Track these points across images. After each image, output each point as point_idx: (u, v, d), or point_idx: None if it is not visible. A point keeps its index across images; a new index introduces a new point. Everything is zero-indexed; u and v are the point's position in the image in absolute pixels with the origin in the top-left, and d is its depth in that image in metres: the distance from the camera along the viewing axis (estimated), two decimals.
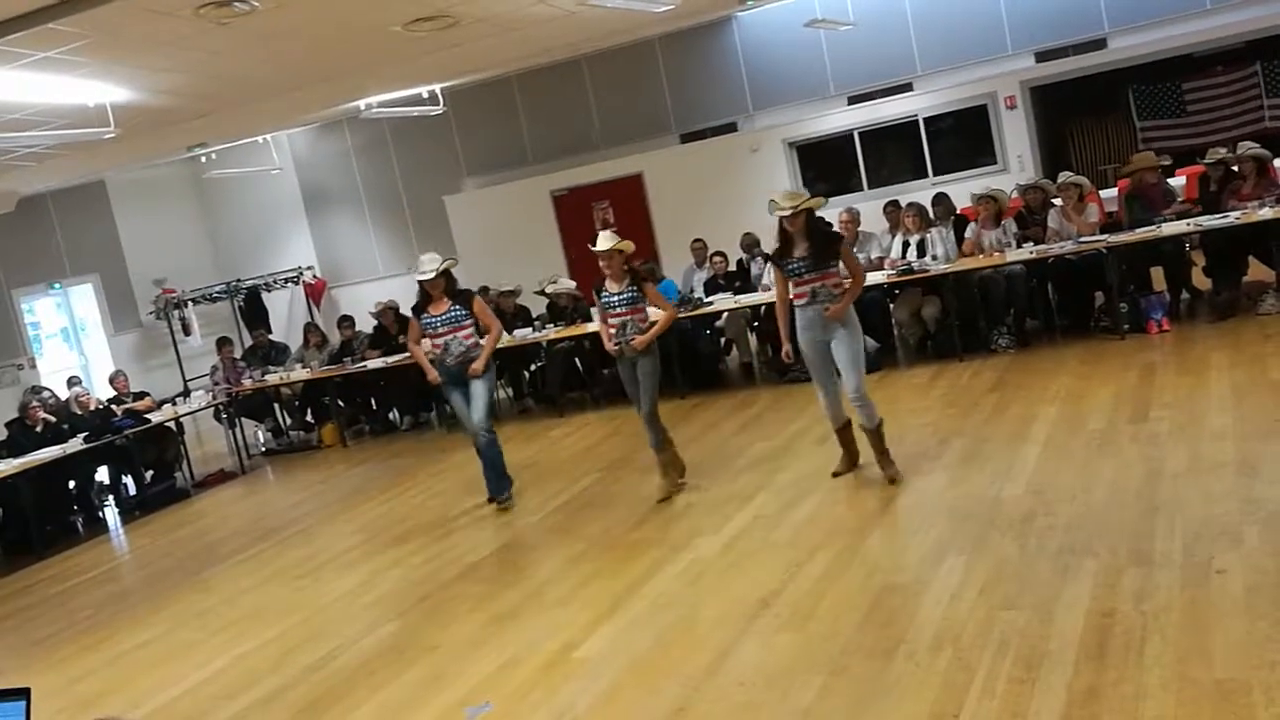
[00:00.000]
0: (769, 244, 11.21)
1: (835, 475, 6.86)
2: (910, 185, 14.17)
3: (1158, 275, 9.71)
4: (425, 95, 13.62)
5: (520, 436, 7.98)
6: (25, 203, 15.03)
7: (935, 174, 14.35)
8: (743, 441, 8.40)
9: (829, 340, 6.53)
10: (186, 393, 14.81)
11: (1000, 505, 5.75)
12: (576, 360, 11.65)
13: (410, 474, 9.78)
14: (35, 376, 15.43)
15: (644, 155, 15.64)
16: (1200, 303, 9.71)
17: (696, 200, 14.99)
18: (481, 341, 7.83)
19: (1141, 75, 14.03)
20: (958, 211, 10.68)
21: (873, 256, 10.40)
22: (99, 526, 10.52)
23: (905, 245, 10.23)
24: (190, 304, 17.53)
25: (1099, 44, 13.51)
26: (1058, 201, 9.93)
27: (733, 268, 11.58)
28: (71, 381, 12.42)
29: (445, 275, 7.75)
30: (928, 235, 10.11)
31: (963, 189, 11.96)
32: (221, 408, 12.33)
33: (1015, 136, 14.09)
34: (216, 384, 12.82)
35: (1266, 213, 8.67)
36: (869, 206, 12.14)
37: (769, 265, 10.72)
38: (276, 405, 12.89)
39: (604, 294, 7.20)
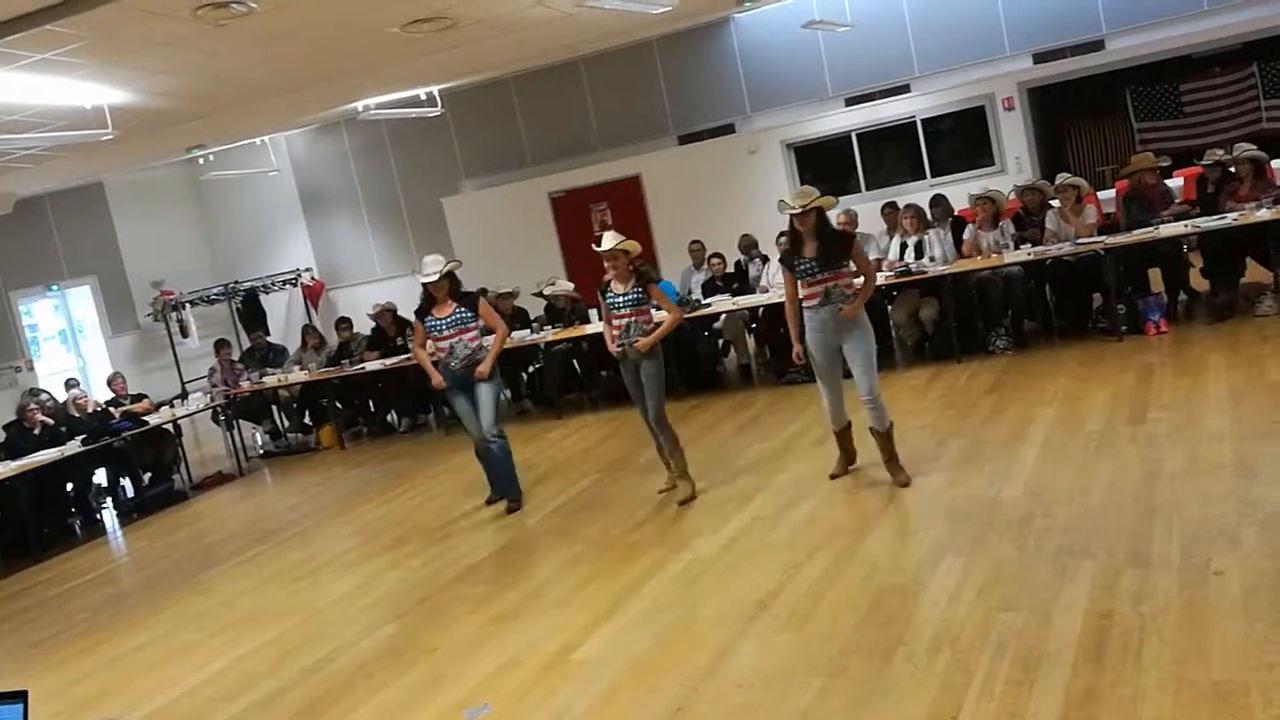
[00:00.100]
0: (767, 246, 11.33)
1: (833, 477, 6.84)
2: (908, 187, 14.18)
3: (1155, 277, 9.72)
4: (423, 97, 13.62)
5: (518, 438, 7.97)
6: (23, 204, 15.03)
7: (933, 175, 14.36)
8: (741, 443, 8.40)
9: (840, 342, 6.45)
10: (184, 395, 14.80)
11: (998, 507, 5.75)
12: (574, 362, 11.66)
13: (408, 476, 9.77)
14: (33, 379, 15.44)
15: (642, 157, 15.65)
16: (1198, 304, 9.72)
17: (694, 202, 14.99)
18: (486, 344, 7.78)
19: (1139, 76, 14.05)
20: (955, 213, 10.69)
21: (870, 258, 10.39)
22: (97, 529, 10.51)
23: (903, 247, 10.24)
24: (188, 306, 17.53)
25: (1097, 45, 13.52)
26: (1055, 203, 9.94)
27: (731, 269, 11.58)
28: (69, 384, 12.43)
29: (449, 277, 7.67)
30: (925, 237, 10.12)
31: (961, 190, 11.97)
32: (219, 410, 12.32)
33: (1013, 138, 14.10)
34: (214, 386, 12.81)
35: (1264, 214, 8.67)
36: (867, 208, 12.15)
37: (778, 266, 10.80)
38: (274, 407, 12.89)
39: (609, 295, 7.10)
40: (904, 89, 14.49)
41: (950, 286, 9.72)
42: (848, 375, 6.61)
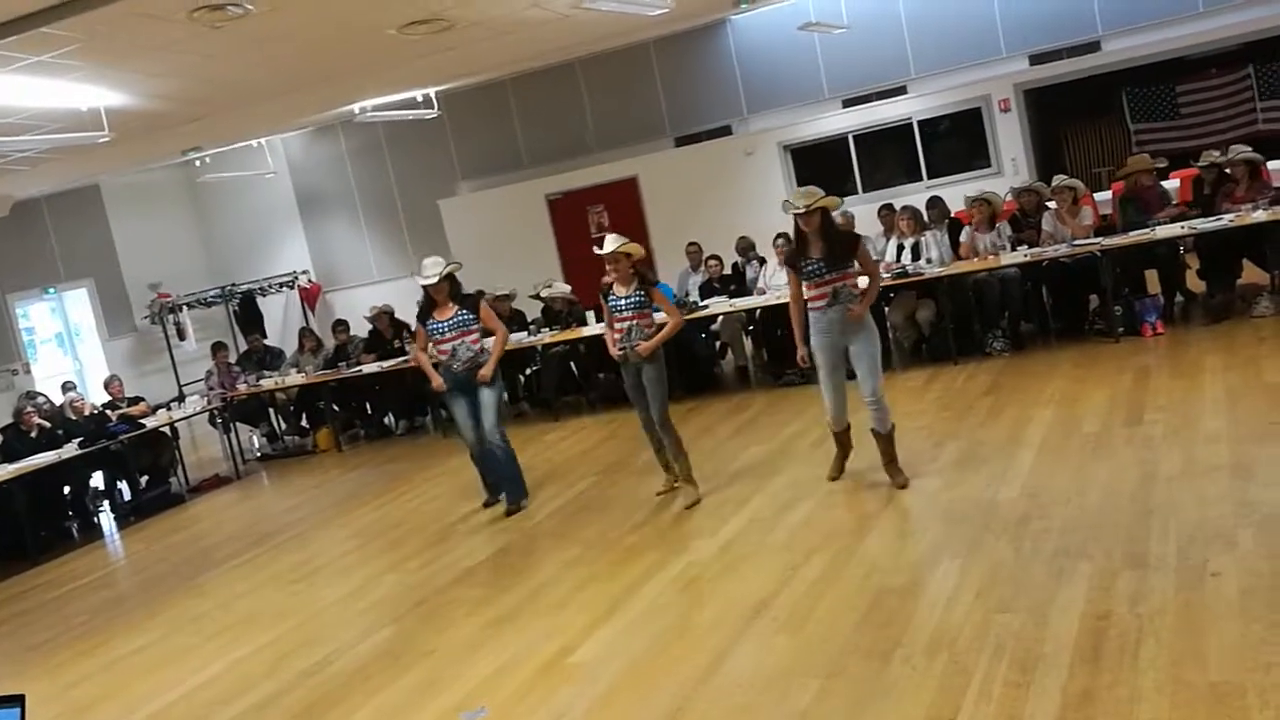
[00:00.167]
0: (764, 248, 11.33)
1: (832, 479, 6.82)
2: (905, 188, 14.19)
3: (1152, 278, 9.72)
4: (420, 99, 13.63)
5: (516, 441, 7.95)
6: (19, 207, 15.03)
7: (930, 177, 14.38)
8: (738, 445, 8.40)
9: (847, 343, 6.40)
10: (181, 398, 14.82)
11: (995, 508, 5.75)
12: (572, 364, 11.65)
13: (405, 478, 9.77)
14: (30, 382, 15.41)
15: (639, 159, 15.66)
16: (1194, 305, 9.72)
17: (691, 203, 15.00)
18: (487, 345, 7.75)
19: (1135, 78, 14.07)
20: (952, 214, 10.69)
21: None
22: (94, 532, 10.50)
23: (900, 248, 10.24)
24: (185, 309, 17.52)
25: (1093, 47, 13.54)
26: (1052, 204, 9.94)
27: (728, 271, 11.58)
28: (66, 387, 12.42)
29: (449, 279, 7.64)
30: (922, 238, 10.12)
31: (957, 192, 11.97)
32: (216, 413, 12.32)
33: (1009, 139, 14.12)
34: (211, 389, 12.81)
35: (1260, 215, 8.69)
36: (864, 210, 12.17)
37: (775, 268, 10.80)
38: (271, 410, 12.89)
39: (610, 298, 7.06)
40: (900, 91, 14.51)
41: (947, 288, 9.72)
42: (850, 376, 6.57)
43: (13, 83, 7.90)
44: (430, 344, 7.80)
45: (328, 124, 16.97)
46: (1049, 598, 4.52)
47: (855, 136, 14.79)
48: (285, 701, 5.22)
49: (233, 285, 18.13)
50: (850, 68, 14.58)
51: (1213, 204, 9.39)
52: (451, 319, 7.61)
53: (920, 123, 14.49)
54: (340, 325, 12.78)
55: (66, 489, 10.68)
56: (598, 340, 10.85)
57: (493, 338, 7.81)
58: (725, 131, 15.48)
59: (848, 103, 14.75)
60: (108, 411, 11.27)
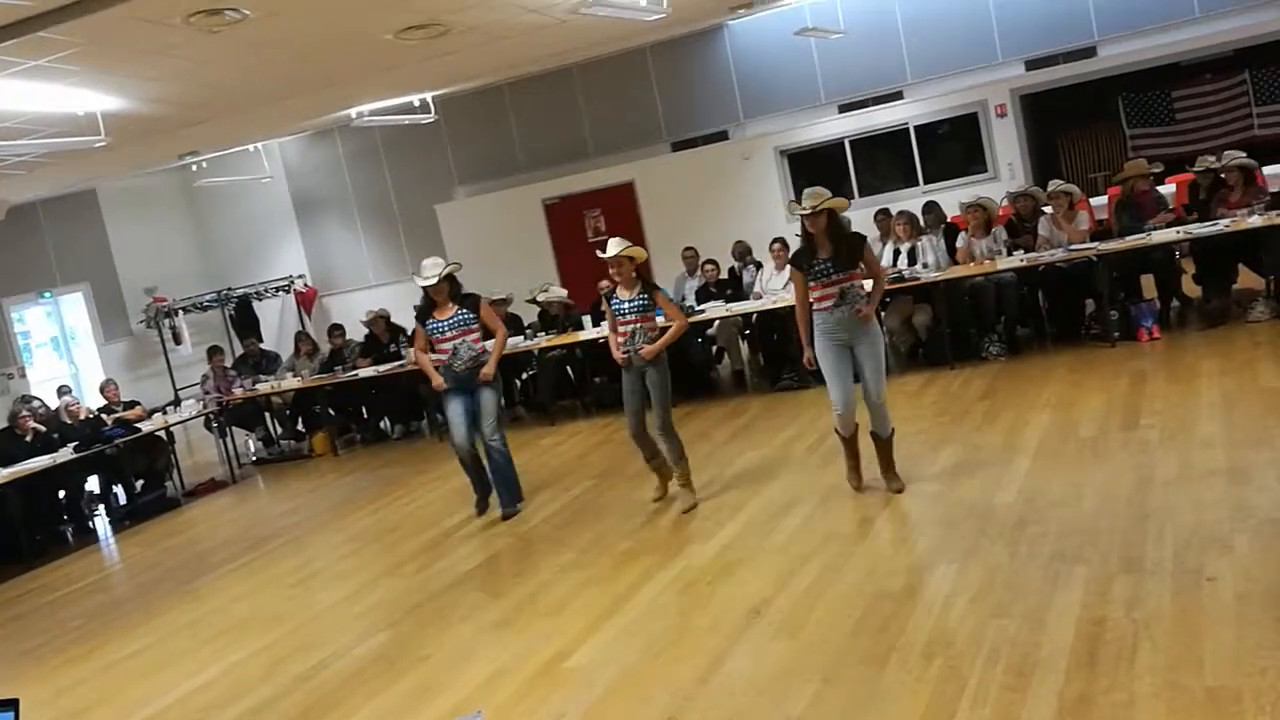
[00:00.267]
0: (761, 252, 11.34)
1: (859, 489, 6.58)
2: (901, 193, 14.22)
3: (1148, 283, 9.74)
4: (416, 103, 13.64)
5: (512, 445, 7.94)
6: (15, 211, 15.02)
7: (926, 182, 14.42)
8: (735, 449, 8.40)
9: (853, 344, 6.35)
10: (177, 402, 14.81)
11: (992, 513, 5.75)
12: (568, 368, 11.65)
13: (401, 483, 9.76)
14: (25, 386, 15.41)
15: (635, 163, 15.69)
16: (1190, 310, 9.73)
17: (688, 208, 15.03)
18: (489, 346, 7.74)
19: (1131, 83, 14.10)
20: (948, 219, 10.70)
21: None
22: (89, 536, 10.47)
23: (896, 253, 10.24)
24: (181, 313, 17.52)
25: (1089, 52, 13.57)
26: (1048, 209, 9.96)
27: (724, 275, 11.59)
28: (61, 390, 12.38)
29: (449, 280, 7.61)
30: (918, 243, 10.13)
31: (953, 197, 12.00)
32: (212, 417, 12.30)
33: (1005, 144, 14.15)
34: (207, 393, 12.80)
35: (1256, 220, 8.70)
36: (860, 214, 12.16)
37: (772, 272, 10.81)
38: (267, 414, 12.87)
39: (614, 301, 7.04)
40: (897, 96, 14.54)
41: (943, 293, 9.73)
42: (854, 379, 6.54)
43: (9, 87, 7.90)
44: (430, 344, 7.76)
45: (324, 128, 16.98)
46: (1045, 602, 4.53)
47: (851, 141, 14.83)
48: (281, 706, 5.21)
49: (229, 289, 18.13)
50: (847, 73, 14.61)
51: (1208, 209, 9.41)
52: (452, 318, 7.59)
53: (916, 128, 14.53)
54: (336, 329, 12.77)
55: (61, 493, 10.67)
56: (594, 345, 10.87)
57: (493, 338, 7.80)
58: (722, 136, 15.51)
59: (844, 108, 14.78)
60: (103, 415, 11.25)
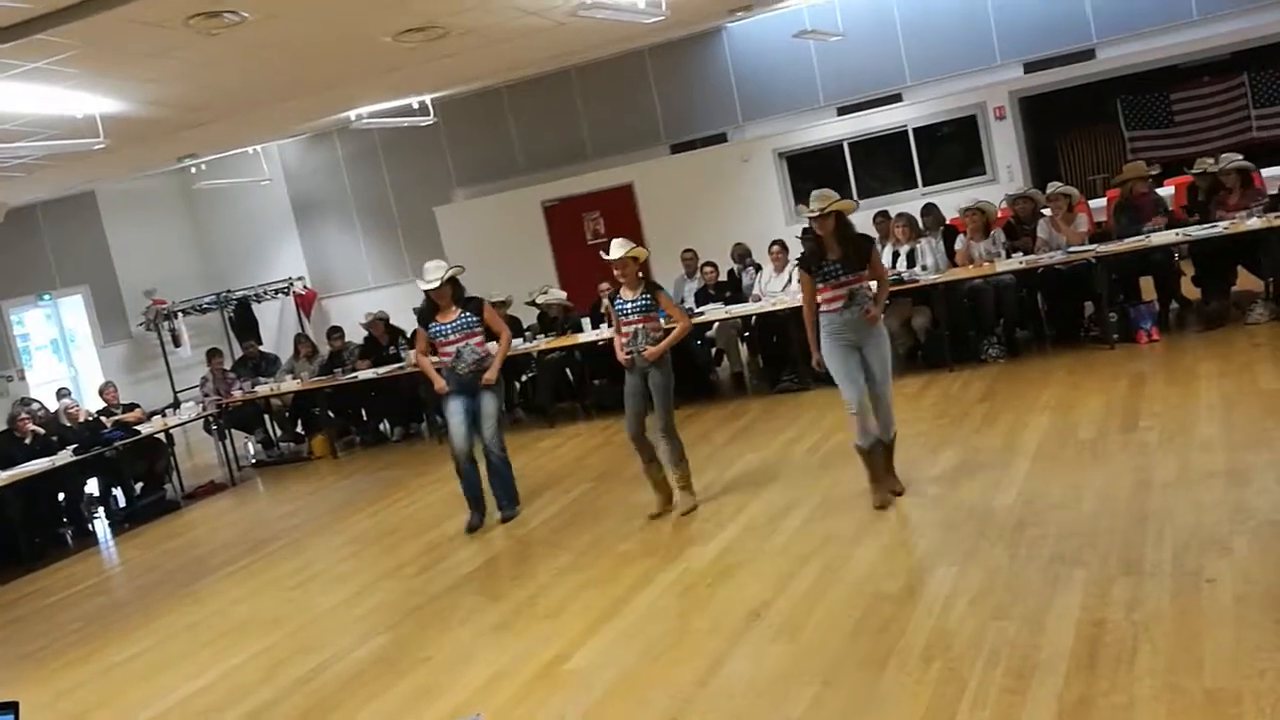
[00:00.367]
0: (760, 254, 11.34)
1: (882, 508, 6.29)
2: (900, 195, 14.23)
3: (1147, 285, 9.74)
4: (415, 106, 13.63)
5: (511, 447, 7.94)
6: (14, 214, 15.01)
7: (925, 184, 14.43)
8: (734, 452, 8.40)
9: (860, 345, 6.30)
10: (176, 404, 14.80)
11: (991, 515, 5.76)
12: (567, 371, 11.65)
13: (401, 485, 9.76)
14: (24, 388, 15.39)
15: (634, 165, 15.69)
16: (1189, 312, 9.74)
17: (687, 210, 15.04)
18: (492, 349, 7.72)
19: (1130, 85, 14.11)
20: (947, 222, 10.71)
21: None
22: (88, 539, 10.47)
23: (895, 255, 10.25)
24: (180, 315, 17.51)
25: (1087, 54, 13.58)
26: (1047, 211, 9.96)
27: (723, 278, 11.58)
28: (61, 393, 12.37)
29: (452, 282, 7.57)
30: (917, 245, 10.13)
31: (953, 199, 12.02)
32: (211, 419, 12.30)
33: (1004, 147, 14.16)
34: (206, 395, 12.80)
35: (1255, 222, 8.71)
36: (858, 217, 12.06)
37: (770, 274, 10.81)
38: (267, 416, 12.86)
39: (617, 301, 7.01)
40: (896, 98, 14.55)
41: (942, 295, 9.73)
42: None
43: (8, 89, 7.89)
44: (433, 347, 7.70)
45: (324, 131, 16.98)
46: (1045, 604, 4.53)
47: (850, 144, 14.83)
48: (280, 708, 5.21)
49: (228, 292, 18.13)
50: (846, 75, 14.62)
51: (1207, 211, 9.42)
52: (455, 321, 7.55)
53: (915, 130, 14.54)
54: (335, 332, 12.77)
55: (61, 495, 10.66)
56: (593, 347, 10.88)
57: (497, 340, 7.77)
58: (721, 139, 15.52)
59: (843, 110, 14.79)
60: (102, 418, 11.25)
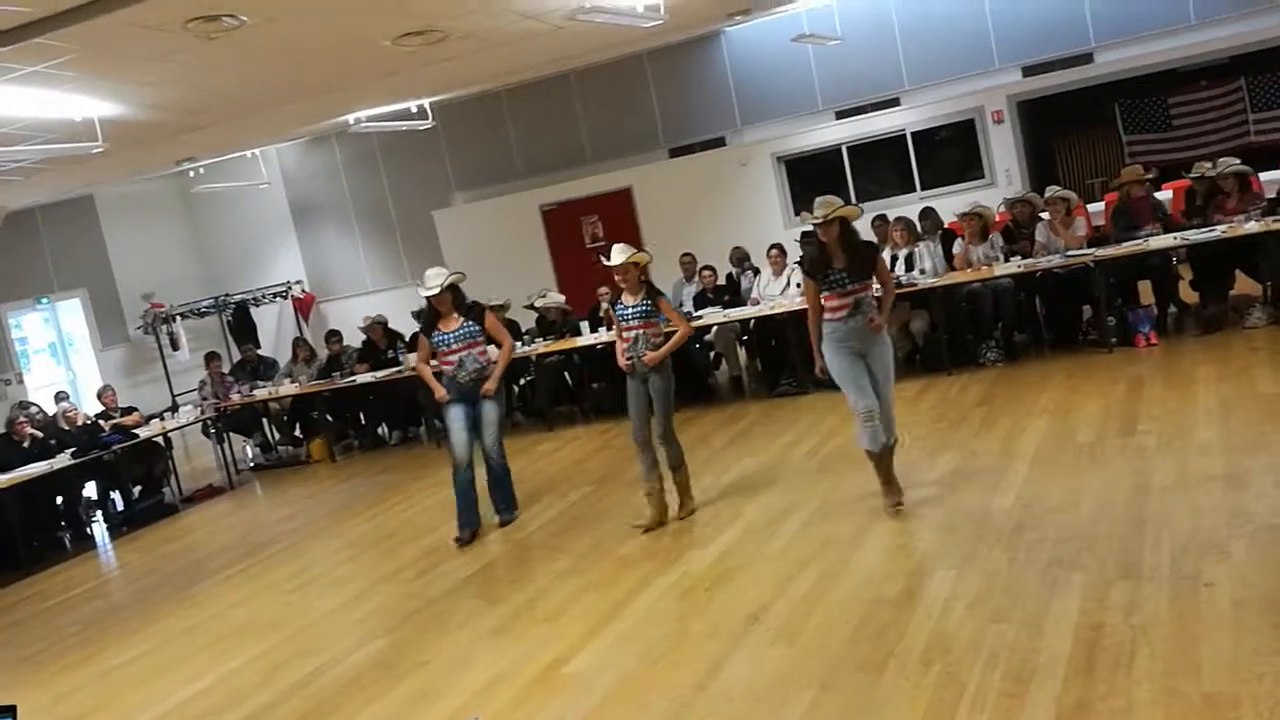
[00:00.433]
0: (759, 258, 11.34)
1: (898, 505, 6.24)
2: (898, 199, 14.24)
3: (1145, 289, 9.74)
4: (414, 110, 13.63)
5: (509, 451, 7.93)
6: (13, 217, 15.00)
7: (923, 188, 14.44)
8: (732, 456, 8.40)
9: (864, 353, 6.27)
10: (175, 408, 14.78)
11: (989, 518, 5.76)
12: (566, 374, 11.65)
13: (399, 489, 9.75)
14: (22, 392, 15.38)
15: (633, 169, 15.70)
16: (1187, 316, 9.75)
17: (685, 214, 15.04)
18: (494, 355, 7.69)
19: (1128, 89, 14.13)
20: (945, 226, 10.71)
21: None
22: (86, 542, 10.46)
23: (893, 259, 10.24)
24: (178, 319, 17.50)
25: (1085, 58, 13.60)
26: (1045, 215, 9.97)
27: (722, 281, 11.58)
28: (59, 396, 12.38)
29: (452, 289, 7.54)
30: (915, 249, 10.13)
31: (951, 203, 12.02)
32: (210, 423, 12.30)
33: (1002, 150, 14.17)
34: (205, 399, 12.79)
35: (1253, 226, 8.72)
36: (858, 221, 12.15)
37: (769, 278, 10.80)
38: (265, 420, 12.86)
39: (618, 306, 6.98)
40: (894, 102, 14.56)
41: (941, 299, 9.74)
42: None
43: (6, 93, 7.89)
44: (435, 355, 7.67)
45: (322, 134, 16.98)
46: (1043, 608, 4.53)
47: (849, 148, 14.84)
48: (279, 712, 5.20)
49: (226, 295, 18.12)
50: (844, 79, 14.63)
51: (1205, 215, 9.43)
52: (457, 331, 7.52)
53: (913, 134, 14.55)
54: (334, 335, 12.77)
55: (59, 499, 10.66)
56: (592, 350, 10.88)
57: (501, 350, 7.74)
58: (719, 143, 15.53)
59: (841, 114, 14.80)
60: (100, 421, 11.25)
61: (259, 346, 15.37)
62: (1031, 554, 5.16)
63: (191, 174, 16.33)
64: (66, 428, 11.00)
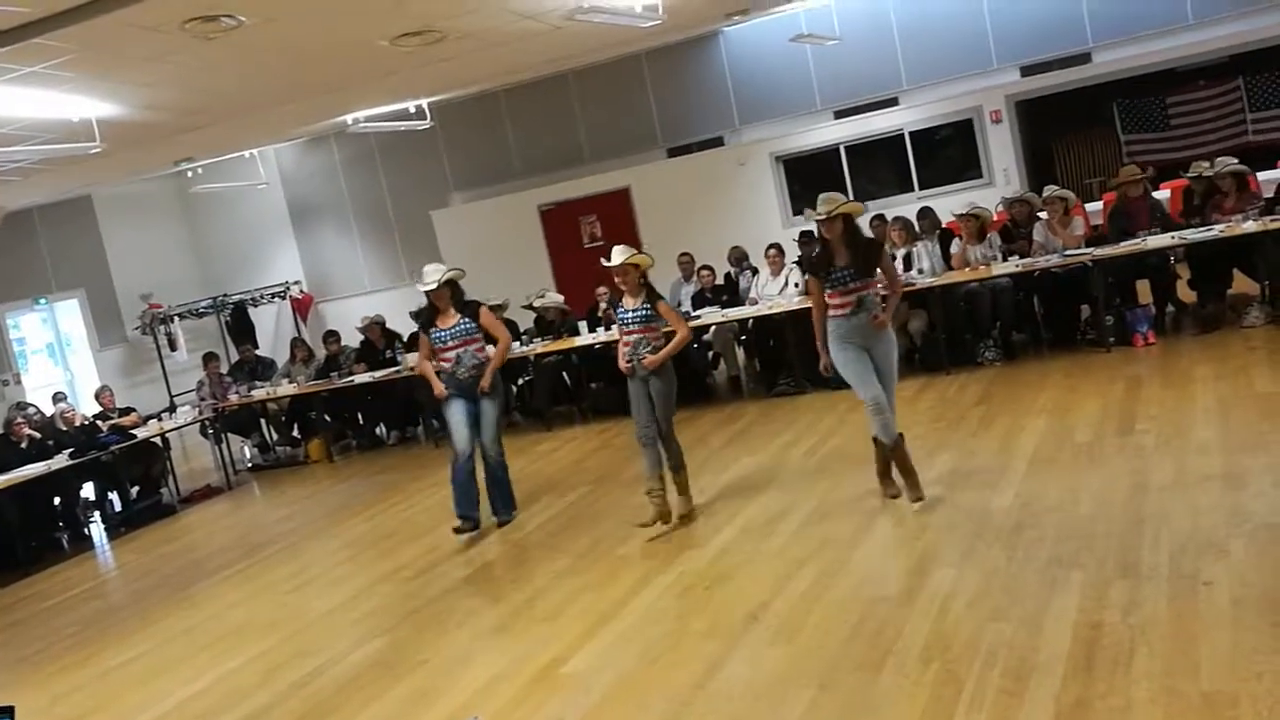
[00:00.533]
0: (757, 258, 11.34)
1: (918, 500, 6.20)
2: (896, 199, 14.25)
3: (1143, 288, 9.75)
4: (412, 110, 13.63)
5: (508, 451, 7.92)
6: (11, 218, 14.99)
7: (921, 188, 14.45)
8: (730, 455, 8.40)
9: (870, 350, 6.26)
10: (173, 408, 14.76)
11: (988, 517, 5.76)
12: (564, 374, 11.65)
13: (397, 489, 9.75)
14: (20, 392, 15.37)
15: (631, 169, 15.70)
16: (1186, 315, 9.76)
17: (684, 214, 15.04)
18: (492, 352, 7.68)
19: (1126, 89, 14.15)
20: (943, 225, 10.72)
21: None
22: (84, 543, 10.46)
23: (891, 259, 10.24)
24: (177, 319, 17.50)
25: (1083, 58, 13.61)
26: (1043, 215, 9.97)
27: (720, 281, 11.58)
28: (57, 397, 12.37)
29: (450, 285, 7.54)
30: (914, 249, 10.14)
31: (949, 203, 12.03)
32: (208, 423, 12.29)
33: (1001, 150, 14.18)
34: (203, 399, 12.79)
35: (1250, 226, 8.72)
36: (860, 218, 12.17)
37: (767, 278, 10.81)
38: (263, 420, 12.85)
39: (619, 310, 6.96)
40: (892, 102, 14.57)
41: (939, 298, 9.74)
42: None
43: (5, 93, 7.89)
44: (433, 353, 7.67)
45: (320, 135, 16.97)
46: (1042, 607, 4.53)
47: (847, 147, 14.85)
48: (277, 712, 5.20)
49: (224, 296, 18.11)
50: (842, 79, 14.63)
51: (1203, 215, 9.43)
52: (454, 327, 7.53)
53: (912, 134, 14.55)
54: (332, 336, 12.77)
55: (57, 500, 10.66)
56: (590, 350, 10.88)
57: (497, 346, 7.73)
58: (717, 142, 15.53)
59: (839, 114, 14.81)
60: (98, 422, 11.24)
61: (257, 347, 15.36)
62: (1030, 553, 5.16)
63: (189, 174, 16.32)
64: (64, 428, 10.99)
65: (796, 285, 10.51)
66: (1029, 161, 14.43)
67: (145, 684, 6.04)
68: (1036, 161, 14.86)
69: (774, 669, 4.52)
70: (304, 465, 12.09)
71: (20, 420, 10.65)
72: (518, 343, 11.30)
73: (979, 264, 9.83)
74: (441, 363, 7.60)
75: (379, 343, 12.31)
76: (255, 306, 18.04)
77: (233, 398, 12.44)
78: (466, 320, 7.56)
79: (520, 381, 11.92)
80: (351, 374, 11.97)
